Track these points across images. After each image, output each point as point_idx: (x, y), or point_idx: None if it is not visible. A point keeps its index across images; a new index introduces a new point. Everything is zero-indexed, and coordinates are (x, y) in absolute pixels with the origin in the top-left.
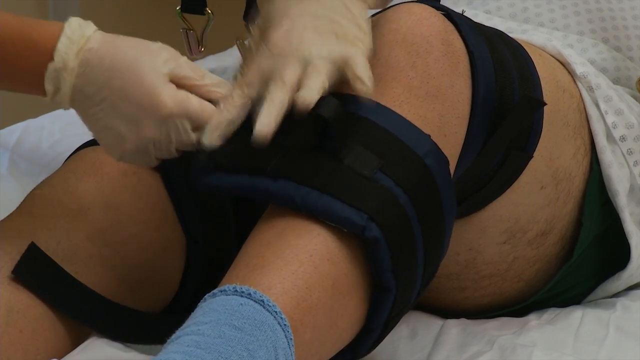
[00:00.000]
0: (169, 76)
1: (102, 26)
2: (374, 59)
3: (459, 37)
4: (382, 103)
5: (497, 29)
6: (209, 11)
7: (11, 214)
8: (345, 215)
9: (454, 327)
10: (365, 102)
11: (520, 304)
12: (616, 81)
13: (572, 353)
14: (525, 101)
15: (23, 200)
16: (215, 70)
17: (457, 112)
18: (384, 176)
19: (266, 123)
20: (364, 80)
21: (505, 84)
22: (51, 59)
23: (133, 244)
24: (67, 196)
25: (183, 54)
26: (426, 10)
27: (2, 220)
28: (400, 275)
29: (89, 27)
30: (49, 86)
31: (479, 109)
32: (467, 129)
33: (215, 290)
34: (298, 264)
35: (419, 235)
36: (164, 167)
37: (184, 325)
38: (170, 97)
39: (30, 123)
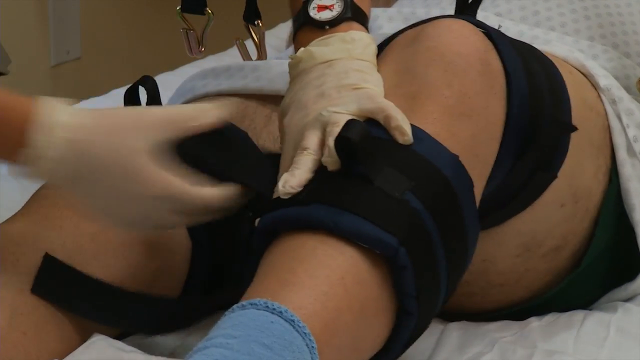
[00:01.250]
0: (150, 153)
1: (102, 26)
2: (409, 75)
3: (497, 57)
4: (414, 121)
5: (530, 45)
6: (209, 11)
7: (16, 213)
8: (379, 236)
9: (455, 329)
10: None
11: (522, 305)
12: (627, 89)
13: (573, 354)
14: (556, 125)
15: (28, 200)
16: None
17: (490, 132)
18: (414, 197)
19: (289, 182)
20: (405, 131)
21: (537, 106)
22: (22, 159)
23: (137, 246)
24: (72, 197)
25: (183, 54)
26: (466, 28)
27: (6, 220)
28: (423, 301)
29: (57, 131)
30: (26, 173)
31: (511, 130)
32: (498, 149)
33: (244, 302)
34: (329, 285)
35: (442, 260)
36: None
37: (211, 334)
38: (153, 180)
39: None
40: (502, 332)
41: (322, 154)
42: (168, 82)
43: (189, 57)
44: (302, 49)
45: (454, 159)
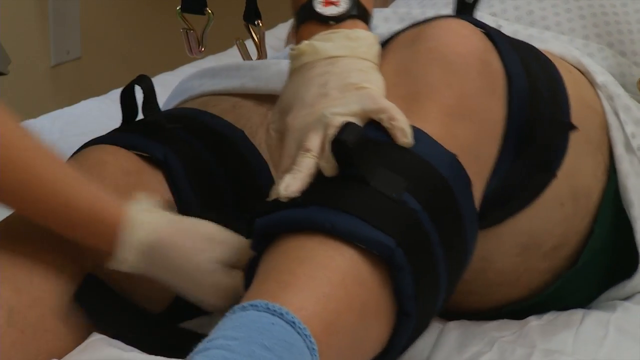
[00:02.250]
0: (219, 264)
1: (102, 26)
2: (410, 76)
3: (497, 57)
4: (413, 121)
5: (529, 44)
6: (209, 11)
7: (12, 213)
8: (375, 237)
9: (454, 328)
10: None
11: (521, 303)
12: (622, 87)
13: (572, 353)
14: (555, 125)
15: None
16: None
17: (490, 133)
18: (411, 198)
19: (291, 186)
20: (406, 133)
21: (537, 106)
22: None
23: None
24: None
25: (183, 54)
26: (466, 28)
27: (4, 219)
28: (422, 301)
29: (147, 231)
30: (113, 264)
31: (511, 130)
32: (498, 149)
33: (245, 304)
34: (330, 287)
35: (441, 260)
36: (167, 167)
37: (211, 336)
38: (215, 297)
39: (30, 123)
40: (501, 331)
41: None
42: (168, 82)
43: (189, 57)
44: (305, 41)
45: (452, 158)
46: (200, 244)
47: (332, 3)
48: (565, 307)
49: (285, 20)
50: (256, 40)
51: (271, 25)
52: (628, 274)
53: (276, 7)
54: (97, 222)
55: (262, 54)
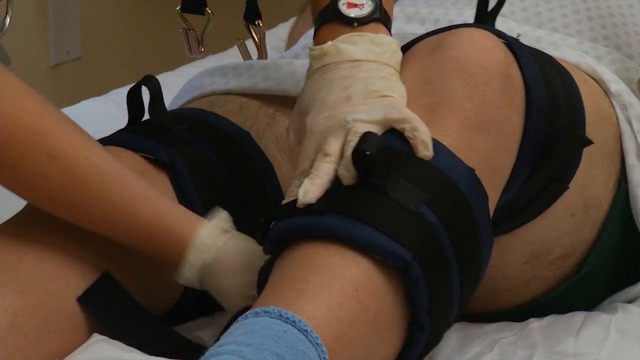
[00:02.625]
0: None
1: (102, 26)
2: (431, 86)
3: (517, 69)
4: (433, 132)
5: (547, 54)
6: (209, 11)
7: (17, 214)
8: (392, 249)
9: (455, 330)
10: None
11: (523, 305)
12: (632, 91)
13: (573, 355)
14: (572, 139)
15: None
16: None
17: (507, 145)
18: (429, 211)
19: (310, 192)
20: (428, 146)
21: (554, 119)
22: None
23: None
24: None
25: (183, 54)
26: (488, 39)
27: (7, 221)
28: (436, 314)
29: (211, 255)
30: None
31: (528, 143)
32: (515, 161)
33: (258, 309)
34: (344, 297)
35: (456, 274)
36: (173, 169)
37: (223, 340)
38: None
39: None
40: (502, 332)
41: (339, 160)
42: (168, 82)
43: (189, 57)
44: (329, 42)
45: (470, 173)
46: (254, 277)
47: (356, 5)
48: (568, 310)
49: (285, 20)
50: (256, 40)
51: (271, 25)
52: (635, 279)
53: (276, 7)
54: (163, 238)
55: (262, 54)
